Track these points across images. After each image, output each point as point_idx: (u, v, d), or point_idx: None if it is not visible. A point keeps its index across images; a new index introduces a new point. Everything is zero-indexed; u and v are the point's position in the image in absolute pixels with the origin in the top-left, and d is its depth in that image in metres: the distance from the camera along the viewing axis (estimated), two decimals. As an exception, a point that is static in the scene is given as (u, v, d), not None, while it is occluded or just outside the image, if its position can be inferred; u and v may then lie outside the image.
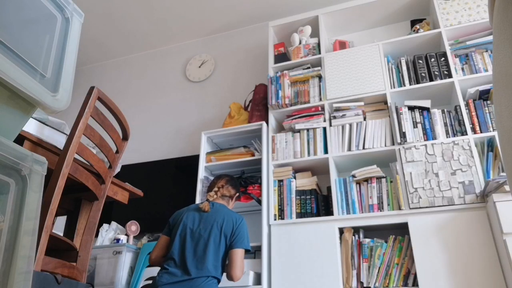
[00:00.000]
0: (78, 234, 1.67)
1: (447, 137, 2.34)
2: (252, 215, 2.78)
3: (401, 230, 2.27)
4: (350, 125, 2.56)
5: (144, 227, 2.89)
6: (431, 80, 2.54)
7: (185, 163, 3.23)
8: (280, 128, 2.91)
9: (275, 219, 2.46)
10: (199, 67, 3.77)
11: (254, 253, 2.58)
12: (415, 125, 2.42)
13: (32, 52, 0.91)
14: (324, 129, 2.62)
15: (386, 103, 2.62)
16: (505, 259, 1.85)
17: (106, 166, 1.65)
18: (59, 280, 1.26)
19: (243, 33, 3.78)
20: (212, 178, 2.67)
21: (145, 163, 3.37)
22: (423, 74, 2.56)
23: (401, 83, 2.61)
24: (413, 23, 2.93)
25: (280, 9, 3.56)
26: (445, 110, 2.43)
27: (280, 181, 2.57)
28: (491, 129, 2.27)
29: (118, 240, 2.70)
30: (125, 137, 1.78)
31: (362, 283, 2.18)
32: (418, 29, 2.76)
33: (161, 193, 3.12)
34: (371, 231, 2.43)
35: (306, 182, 2.56)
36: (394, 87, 2.60)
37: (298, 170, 2.66)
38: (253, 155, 2.72)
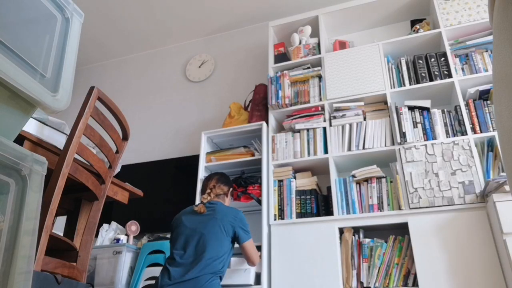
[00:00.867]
0: (78, 234, 1.67)
1: (447, 137, 2.34)
2: (252, 215, 2.78)
3: (401, 230, 2.27)
4: (350, 125, 2.56)
5: (144, 227, 2.89)
6: (431, 80, 2.54)
7: (185, 163, 3.23)
8: (280, 128, 2.91)
9: (275, 219, 2.46)
10: (199, 67, 3.77)
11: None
12: (415, 125, 2.42)
13: (32, 52, 0.91)
14: (324, 129, 2.62)
15: (386, 103, 2.62)
16: (505, 259, 1.85)
17: (106, 166, 1.65)
18: (59, 280, 1.26)
19: (243, 33, 3.78)
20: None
21: (145, 163, 3.37)
22: (423, 74, 2.56)
23: (401, 83, 2.61)
24: (413, 23, 2.93)
25: (280, 9, 3.56)
26: (445, 110, 2.43)
27: (280, 181, 2.57)
28: (491, 129, 2.27)
29: (118, 240, 2.70)
30: (125, 137, 1.78)
31: (362, 283, 2.18)
32: (418, 29, 2.76)
33: (161, 193, 3.12)
34: (371, 231, 2.43)
35: (306, 182, 2.56)
36: (394, 87, 2.60)
37: (298, 170, 2.67)
38: (253, 155, 2.71)
